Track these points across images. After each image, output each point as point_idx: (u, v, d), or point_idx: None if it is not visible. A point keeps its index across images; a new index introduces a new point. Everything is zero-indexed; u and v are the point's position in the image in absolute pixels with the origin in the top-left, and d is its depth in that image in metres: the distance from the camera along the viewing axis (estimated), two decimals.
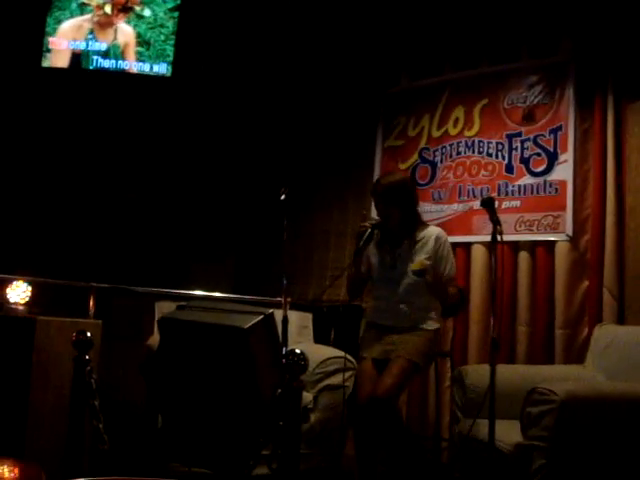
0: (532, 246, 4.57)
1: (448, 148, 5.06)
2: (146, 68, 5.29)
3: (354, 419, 3.60)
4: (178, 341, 2.99)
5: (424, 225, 3.75)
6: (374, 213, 3.91)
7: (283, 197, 3.60)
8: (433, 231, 3.70)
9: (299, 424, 2.69)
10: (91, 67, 5.32)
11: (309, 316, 4.84)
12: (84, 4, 5.36)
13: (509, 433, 3.07)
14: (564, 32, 4.60)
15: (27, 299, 4.08)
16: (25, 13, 5.30)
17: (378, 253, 3.72)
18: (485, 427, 2.90)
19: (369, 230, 3.58)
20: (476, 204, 4.68)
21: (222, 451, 2.92)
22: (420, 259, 3.58)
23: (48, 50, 5.35)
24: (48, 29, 5.33)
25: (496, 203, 3.37)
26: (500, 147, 4.79)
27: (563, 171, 4.47)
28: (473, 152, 4.92)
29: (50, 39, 5.32)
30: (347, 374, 3.96)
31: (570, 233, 4.38)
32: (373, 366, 3.56)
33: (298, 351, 2.66)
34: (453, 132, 5.05)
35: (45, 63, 5.33)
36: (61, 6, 5.35)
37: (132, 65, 5.32)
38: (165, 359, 3.04)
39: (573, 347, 4.28)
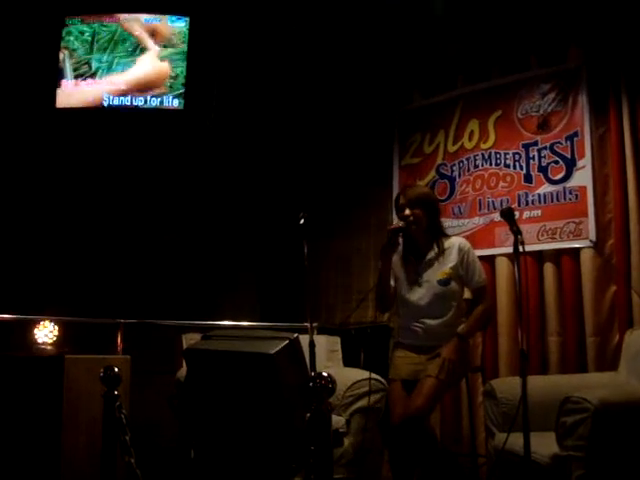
0: (556, 255, 4.53)
1: (465, 162, 5.05)
2: (157, 102, 5.33)
3: (388, 440, 3.57)
4: (205, 371, 2.98)
5: (447, 236, 3.74)
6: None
7: (302, 221, 3.60)
8: (455, 241, 3.70)
9: (331, 448, 2.66)
10: (105, 105, 5.39)
11: (337, 340, 4.81)
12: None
13: (545, 445, 3.01)
14: (572, 38, 4.60)
15: (55, 338, 4.11)
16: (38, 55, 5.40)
17: (403, 266, 3.71)
18: (520, 440, 2.84)
19: (401, 228, 3.60)
20: (497, 216, 4.64)
21: (256, 479, 2.90)
22: (444, 269, 3.58)
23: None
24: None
25: (517, 214, 3.35)
26: (517, 157, 4.77)
27: (582, 177, 4.45)
28: (490, 164, 4.90)
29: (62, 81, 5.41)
30: (378, 395, 3.94)
31: (594, 239, 4.34)
32: (402, 387, 3.55)
33: (325, 374, 2.65)
34: (469, 146, 5.04)
35: (59, 104, 5.41)
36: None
37: (142, 100, 5.37)
38: (193, 390, 3.03)
39: (606, 354, 4.22)
